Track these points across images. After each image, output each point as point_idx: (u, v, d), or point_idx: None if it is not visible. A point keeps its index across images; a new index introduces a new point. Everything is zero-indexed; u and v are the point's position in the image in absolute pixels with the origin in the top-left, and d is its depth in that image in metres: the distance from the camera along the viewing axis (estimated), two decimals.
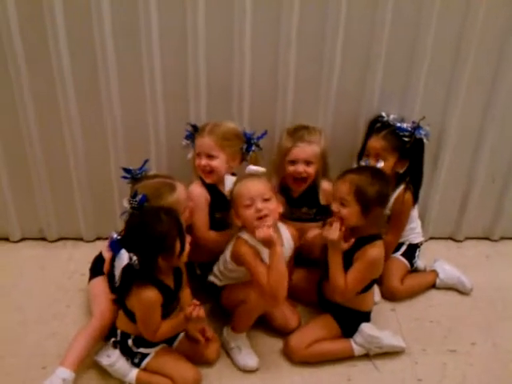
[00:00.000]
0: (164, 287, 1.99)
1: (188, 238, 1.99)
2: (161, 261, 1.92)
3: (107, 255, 2.31)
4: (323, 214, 2.58)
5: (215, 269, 2.34)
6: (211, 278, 2.36)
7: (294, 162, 2.44)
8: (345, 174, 2.18)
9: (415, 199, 2.58)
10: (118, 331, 2.11)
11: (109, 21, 2.31)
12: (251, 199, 2.09)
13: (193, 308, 1.96)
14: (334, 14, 2.34)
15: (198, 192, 2.37)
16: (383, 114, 2.51)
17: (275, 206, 2.13)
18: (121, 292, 2.02)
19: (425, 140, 2.47)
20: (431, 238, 2.96)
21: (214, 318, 2.36)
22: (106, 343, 2.15)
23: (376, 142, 2.47)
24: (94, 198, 2.74)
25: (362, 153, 2.56)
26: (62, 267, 2.64)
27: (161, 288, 1.97)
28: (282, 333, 2.30)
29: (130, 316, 2.04)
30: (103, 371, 2.12)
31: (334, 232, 2.14)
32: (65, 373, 2.03)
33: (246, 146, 2.40)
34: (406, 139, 2.44)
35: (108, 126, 2.55)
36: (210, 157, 2.33)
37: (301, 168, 2.43)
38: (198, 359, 2.18)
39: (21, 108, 2.48)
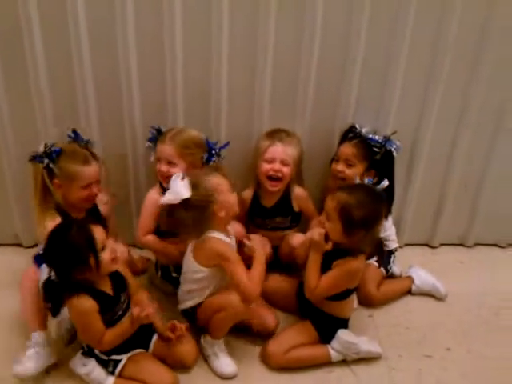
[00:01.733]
0: (98, 293, 1.96)
1: (111, 247, 1.96)
2: (77, 274, 1.90)
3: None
4: (298, 221, 2.61)
5: (181, 295, 2.30)
6: (182, 306, 2.31)
7: (270, 161, 2.45)
8: (338, 190, 2.18)
9: (387, 211, 2.59)
10: (84, 344, 2.11)
11: (84, 23, 2.31)
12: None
13: (140, 309, 1.98)
14: (310, 26, 2.37)
15: (152, 197, 2.39)
16: (356, 125, 2.54)
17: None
18: (52, 301, 1.99)
19: (395, 153, 2.51)
20: (407, 245, 2.99)
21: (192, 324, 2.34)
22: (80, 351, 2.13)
23: (347, 148, 2.51)
24: None
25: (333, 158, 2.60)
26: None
27: (94, 295, 1.95)
28: (262, 336, 2.30)
29: None
30: (80, 380, 2.10)
31: (316, 233, 2.17)
32: (33, 336, 2.10)
33: (206, 156, 2.38)
34: (377, 150, 2.48)
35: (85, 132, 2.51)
36: (171, 163, 2.33)
37: (277, 166, 2.44)
38: (175, 363, 2.17)
39: None
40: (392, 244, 2.71)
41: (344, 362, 2.26)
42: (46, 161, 2.18)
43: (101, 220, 2.31)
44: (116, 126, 2.56)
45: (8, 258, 2.79)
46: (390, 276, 2.70)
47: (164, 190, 2.31)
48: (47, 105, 2.47)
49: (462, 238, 3.04)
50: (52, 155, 2.18)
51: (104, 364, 2.08)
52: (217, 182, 2.13)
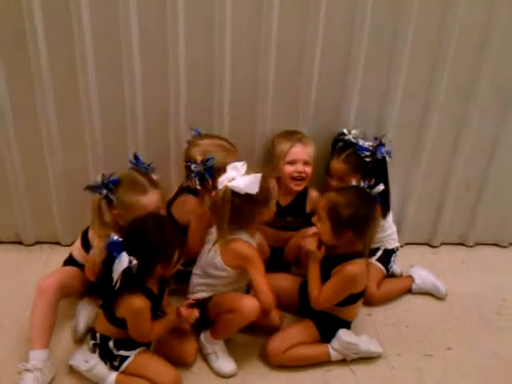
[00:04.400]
0: (150, 293, 2.01)
1: None
2: (159, 269, 1.96)
3: (93, 258, 2.21)
4: (308, 223, 2.58)
5: (194, 286, 2.29)
6: (196, 296, 2.29)
7: (293, 163, 2.47)
8: (329, 191, 2.24)
9: (384, 212, 2.59)
10: (98, 334, 2.10)
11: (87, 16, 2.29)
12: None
13: (190, 311, 2.07)
14: (313, 28, 2.36)
15: (199, 211, 2.33)
16: (345, 130, 2.53)
17: None
18: (115, 295, 1.99)
19: (387, 158, 2.49)
20: (407, 244, 2.98)
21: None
22: (80, 348, 2.15)
23: (338, 165, 2.51)
24: (71, 201, 2.71)
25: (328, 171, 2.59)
26: (39, 271, 2.59)
27: (147, 294, 1.99)
28: (265, 331, 2.29)
29: (118, 323, 2.04)
30: (81, 377, 2.11)
31: (310, 242, 2.21)
32: (36, 353, 2.08)
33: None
34: (368, 159, 2.47)
35: (86, 130, 2.53)
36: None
37: (300, 167, 2.46)
38: (175, 359, 2.17)
39: None
40: (393, 243, 2.70)
41: (343, 361, 2.26)
42: (104, 191, 2.14)
43: None
44: (118, 136, 2.57)
45: (9, 256, 2.78)
46: (391, 275, 2.69)
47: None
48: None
49: (463, 238, 3.03)
50: (109, 186, 2.13)
51: (111, 358, 2.08)
52: (274, 187, 2.17)
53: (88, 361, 2.08)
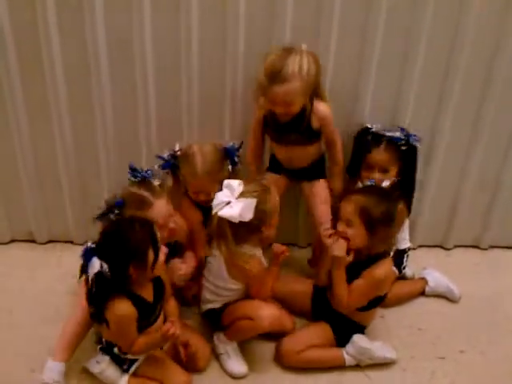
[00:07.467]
0: (139, 300, 1.96)
1: (163, 249, 1.96)
2: (132, 270, 1.88)
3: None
4: (318, 137, 2.44)
5: (207, 296, 2.27)
6: (207, 306, 2.29)
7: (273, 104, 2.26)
8: (350, 195, 2.20)
9: (409, 210, 2.59)
10: (104, 339, 2.10)
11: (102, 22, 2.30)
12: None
13: (170, 326, 1.94)
14: (326, 25, 2.34)
15: (194, 217, 2.37)
16: (368, 125, 2.50)
17: None
18: (97, 301, 1.96)
19: (418, 145, 2.48)
20: (420, 246, 2.96)
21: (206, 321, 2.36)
22: (96, 349, 2.13)
23: (379, 155, 2.44)
24: (84, 200, 2.72)
25: (355, 167, 2.53)
26: (52, 270, 2.63)
27: (136, 301, 1.94)
28: (277, 336, 2.28)
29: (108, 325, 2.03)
30: (94, 379, 2.11)
31: (339, 248, 2.16)
32: (55, 364, 2.08)
33: (230, 165, 2.31)
34: (404, 148, 2.44)
35: (98, 129, 2.53)
36: (208, 193, 2.26)
37: (280, 109, 2.25)
38: (187, 364, 2.16)
39: (11, 110, 2.47)
40: (404, 244, 2.67)
41: (358, 366, 2.25)
42: (112, 216, 2.14)
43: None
44: (131, 131, 2.57)
45: (22, 254, 2.79)
46: (403, 278, 2.67)
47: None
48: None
49: (477, 240, 3.00)
50: (115, 210, 2.14)
51: (120, 362, 2.08)
52: (275, 205, 2.12)
53: (99, 362, 2.08)
